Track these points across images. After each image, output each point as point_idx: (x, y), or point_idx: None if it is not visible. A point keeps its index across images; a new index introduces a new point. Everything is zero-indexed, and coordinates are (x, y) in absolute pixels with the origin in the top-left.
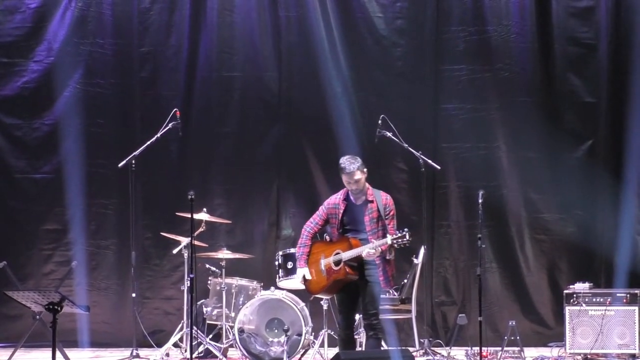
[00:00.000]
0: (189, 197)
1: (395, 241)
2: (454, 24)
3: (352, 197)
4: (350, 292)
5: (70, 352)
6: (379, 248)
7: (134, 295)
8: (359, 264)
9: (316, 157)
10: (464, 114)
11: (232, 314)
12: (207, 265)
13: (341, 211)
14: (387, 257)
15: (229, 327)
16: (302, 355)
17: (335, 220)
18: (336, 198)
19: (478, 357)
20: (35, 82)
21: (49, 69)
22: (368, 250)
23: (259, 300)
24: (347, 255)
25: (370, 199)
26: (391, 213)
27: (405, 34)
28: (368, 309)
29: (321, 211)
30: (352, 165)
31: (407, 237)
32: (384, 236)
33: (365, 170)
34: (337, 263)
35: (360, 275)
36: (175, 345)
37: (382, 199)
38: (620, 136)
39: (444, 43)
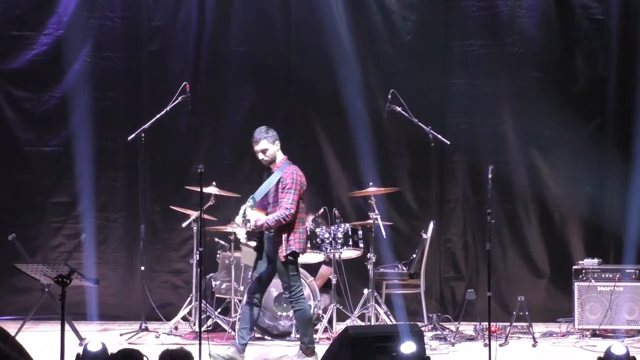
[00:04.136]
0: (198, 170)
1: (242, 209)
2: None
3: (271, 170)
4: (257, 260)
5: (79, 325)
6: (239, 219)
7: (142, 268)
8: (260, 234)
9: (325, 132)
10: (473, 89)
11: (241, 288)
12: (216, 239)
13: (264, 181)
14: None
15: (237, 301)
16: None
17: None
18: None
19: (486, 333)
20: (45, 55)
21: (58, 42)
22: (235, 220)
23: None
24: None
25: (274, 171)
26: (286, 186)
27: (415, 9)
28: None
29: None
30: (259, 134)
31: (247, 206)
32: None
33: (277, 142)
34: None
35: (262, 247)
36: (184, 318)
37: (283, 171)
38: (629, 112)
39: (454, 18)
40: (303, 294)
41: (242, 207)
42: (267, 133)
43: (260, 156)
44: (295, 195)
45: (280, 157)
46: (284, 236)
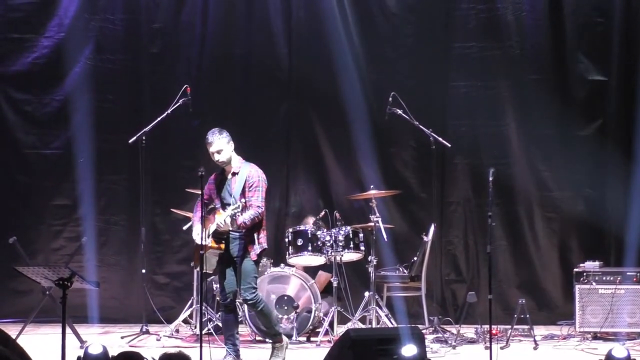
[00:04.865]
0: (199, 173)
1: (233, 211)
2: (464, 1)
3: (225, 171)
4: (224, 265)
5: (80, 328)
6: (228, 220)
7: (143, 271)
8: (227, 236)
9: (326, 134)
10: (474, 92)
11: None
12: None
13: (216, 185)
14: (229, 228)
15: (238, 304)
16: (312, 332)
17: (214, 194)
18: (214, 174)
19: (488, 335)
20: (46, 58)
21: (59, 45)
22: (217, 222)
23: (269, 277)
24: (211, 228)
25: (235, 171)
26: (254, 185)
27: (415, 11)
28: (240, 286)
29: (206, 187)
30: (213, 136)
31: (240, 207)
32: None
33: (231, 143)
34: (208, 236)
35: (226, 249)
36: (185, 321)
37: (248, 170)
38: (630, 114)
39: (455, 20)
40: None
41: (231, 208)
42: (221, 134)
43: (216, 157)
44: (263, 193)
45: (236, 157)
46: (255, 235)
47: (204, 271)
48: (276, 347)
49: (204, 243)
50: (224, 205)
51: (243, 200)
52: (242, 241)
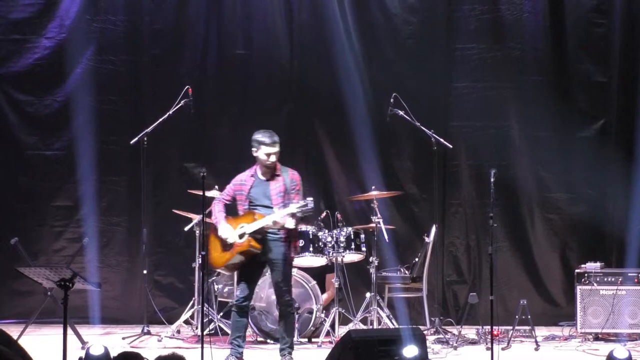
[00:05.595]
0: (201, 174)
1: (299, 209)
2: (466, 3)
3: (259, 173)
4: (253, 266)
5: (81, 329)
6: (285, 218)
7: (145, 272)
8: (263, 237)
9: (327, 135)
10: (475, 93)
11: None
12: None
13: (248, 187)
14: (290, 226)
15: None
16: (313, 333)
17: (241, 196)
18: (244, 174)
19: (489, 336)
20: (47, 59)
21: (60, 46)
22: (273, 219)
23: (270, 278)
24: (250, 227)
25: (277, 173)
26: (297, 187)
27: (417, 12)
28: (279, 287)
29: (229, 188)
30: (274, 137)
31: (310, 205)
32: None
33: None
34: (241, 236)
35: (264, 251)
36: (186, 322)
37: (289, 173)
38: (632, 115)
39: (456, 21)
40: None
41: (297, 206)
42: (277, 136)
43: (272, 158)
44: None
45: None
46: (294, 238)
47: (219, 269)
48: (286, 355)
49: (240, 241)
50: (254, 207)
51: (310, 198)
52: (284, 244)
